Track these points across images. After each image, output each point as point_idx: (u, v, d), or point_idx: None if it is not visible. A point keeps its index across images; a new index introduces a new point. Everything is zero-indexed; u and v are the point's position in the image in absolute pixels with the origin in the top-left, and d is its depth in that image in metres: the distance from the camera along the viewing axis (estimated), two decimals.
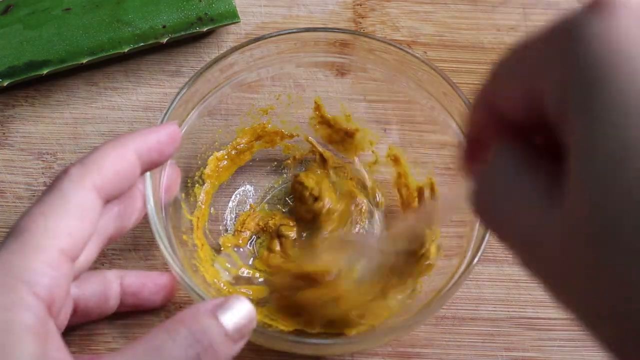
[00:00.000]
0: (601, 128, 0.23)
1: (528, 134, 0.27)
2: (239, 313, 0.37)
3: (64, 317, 0.42)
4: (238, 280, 0.49)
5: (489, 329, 0.48)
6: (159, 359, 0.35)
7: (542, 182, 0.26)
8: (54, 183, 0.39)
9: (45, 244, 0.36)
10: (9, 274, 0.35)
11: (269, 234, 0.50)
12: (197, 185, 0.49)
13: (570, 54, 0.24)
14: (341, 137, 0.51)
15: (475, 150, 0.30)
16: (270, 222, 0.50)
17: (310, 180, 0.50)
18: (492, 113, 0.28)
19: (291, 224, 0.51)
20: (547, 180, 0.25)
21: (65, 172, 0.39)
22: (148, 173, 0.42)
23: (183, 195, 0.48)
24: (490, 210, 0.27)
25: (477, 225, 0.44)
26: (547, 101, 0.25)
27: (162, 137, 0.41)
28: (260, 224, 0.51)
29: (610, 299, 0.23)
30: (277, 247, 0.50)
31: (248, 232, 0.50)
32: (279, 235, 0.50)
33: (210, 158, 0.50)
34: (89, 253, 0.41)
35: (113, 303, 0.45)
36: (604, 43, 0.23)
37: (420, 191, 0.50)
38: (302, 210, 0.50)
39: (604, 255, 0.23)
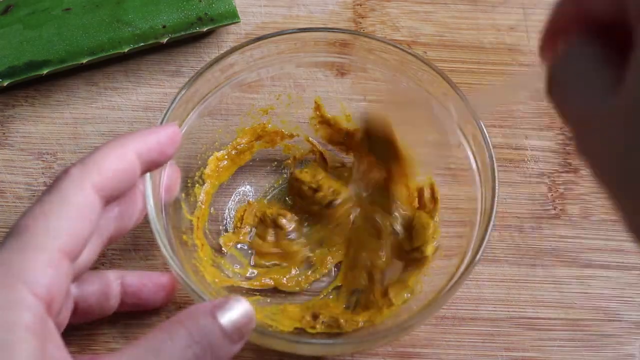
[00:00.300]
0: None
1: (606, 30, 0.29)
2: (238, 314, 0.37)
3: (64, 317, 0.42)
4: (249, 280, 0.49)
5: (489, 329, 0.48)
6: (157, 359, 0.35)
7: (608, 71, 0.28)
8: (54, 183, 0.39)
9: (45, 244, 0.36)
10: (8, 273, 0.35)
11: (265, 225, 0.50)
12: (197, 185, 0.49)
13: None
14: (342, 137, 0.51)
15: (554, 38, 0.32)
16: (268, 212, 0.50)
17: (305, 175, 0.50)
18: (578, 5, 0.30)
19: (288, 215, 0.50)
20: (612, 71, 0.28)
21: (65, 172, 0.39)
22: (148, 173, 0.42)
23: (183, 195, 0.48)
24: (560, 91, 0.30)
25: (477, 225, 0.44)
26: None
27: (162, 137, 0.41)
28: (258, 214, 0.50)
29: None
30: (270, 237, 0.50)
31: (247, 227, 0.50)
32: (275, 225, 0.50)
33: (211, 158, 0.50)
34: (90, 253, 0.41)
35: (113, 303, 0.45)
36: None
37: (420, 192, 0.50)
38: (305, 205, 0.50)
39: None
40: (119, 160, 0.39)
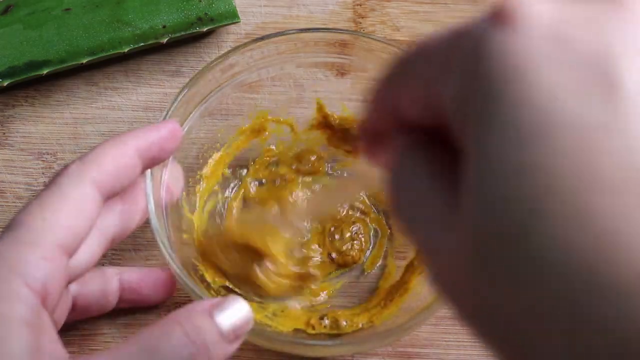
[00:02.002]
0: (494, 161, 0.22)
1: (429, 132, 0.26)
2: (236, 313, 0.37)
3: (62, 313, 0.42)
4: None
5: None
6: (152, 358, 0.35)
7: (442, 192, 0.25)
8: (53, 179, 0.39)
9: (41, 238, 0.36)
10: (3, 266, 0.35)
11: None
12: (198, 185, 0.49)
13: (470, 66, 0.23)
14: (343, 139, 0.51)
15: (376, 141, 0.29)
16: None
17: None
18: (392, 109, 0.27)
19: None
20: (446, 189, 0.25)
21: (64, 169, 0.39)
22: (149, 172, 0.43)
23: (184, 194, 0.48)
24: (401, 213, 0.27)
25: None
26: (446, 108, 0.24)
27: (162, 133, 0.41)
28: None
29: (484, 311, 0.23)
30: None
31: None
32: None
33: (210, 160, 0.50)
34: (93, 253, 0.41)
35: (112, 299, 0.45)
36: (505, 58, 0.22)
37: None
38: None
39: (482, 276, 0.22)
40: (118, 156, 0.40)
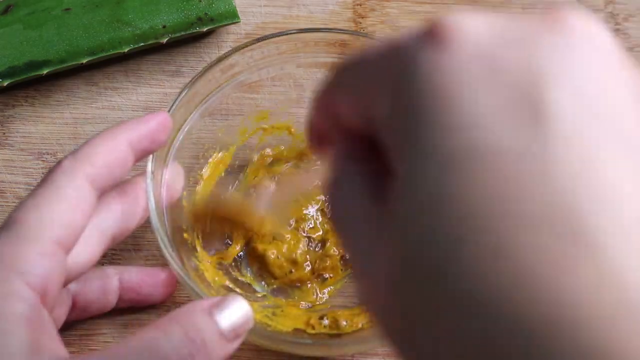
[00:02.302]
0: (416, 173, 0.22)
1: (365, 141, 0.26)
2: (235, 313, 0.37)
3: (62, 312, 0.42)
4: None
5: None
6: (151, 356, 0.35)
7: (371, 211, 0.24)
8: (47, 176, 0.39)
9: (38, 235, 0.36)
10: (1, 264, 0.35)
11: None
12: (198, 184, 0.49)
13: (400, 85, 0.22)
14: None
15: (322, 140, 0.29)
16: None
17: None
18: (331, 114, 0.27)
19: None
20: (377, 201, 0.24)
21: (57, 165, 0.39)
22: (149, 172, 0.43)
23: (185, 193, 0.48)
24: (335, 223, 0.26)
25: None
26: (378, 123, 0.24)
27: (152, 125, 0.41)
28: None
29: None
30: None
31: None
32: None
33: (211, 159, 0.50)
34: (92, 252, 0.41)
35: (112, 298, 0.45)
36: (433, 78, 0.22)
37: None
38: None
39: (401, 299, 0.22)
40: (110, 150, 0.40)
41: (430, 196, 0.21)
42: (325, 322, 0.46)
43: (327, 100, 0.27)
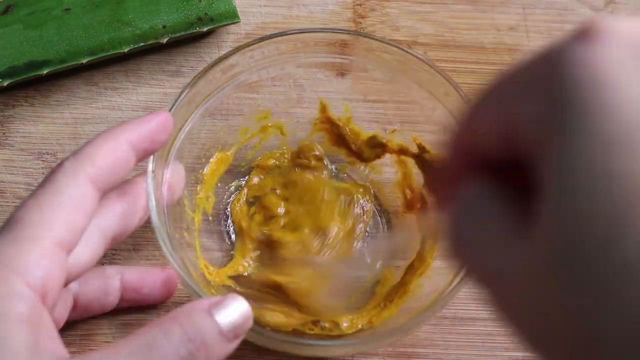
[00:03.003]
0: (578, 169, 0.22)
1: (501, 171, 0.26)
2: (235, 312, 0.37)
3: (63, 312, 0.42)
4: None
5: (489, 329, 0.48)
6: (150, 355, 0.35)
7: (512, 219, 0.25)
8: (48, 177, 0.39)
9: (39, 235, 0.36)
10: (1, 264, 0.35)
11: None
12: (199, 184, 0.49)
13: (553, 83, 0.23)
14: (346, 140, 0.51)
15: (448, 187, 0.29)
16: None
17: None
18: (467, 153, 0.27)
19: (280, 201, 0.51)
20: (517, 218, 0.25)
21: (59, 165, 0.39)
22: (150, 171, 0.43)
23: (186, 192, 0.48)
24: (464, 246, 0.27)
25: None
26: (526, 131, 0.24)
27: (153, 125, 0.41)
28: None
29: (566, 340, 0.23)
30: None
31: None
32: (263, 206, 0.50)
33: (212, 159, 0.50)
34: (93, 252, 0.41)
35: (113, 298, 0.45)
36: (590, 74, 0.22)
37: (422, 195, 0.49)
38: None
39: (562, 303, 0.22)
40: (112, 151, 0.40)
41: (598, 175, 0.21)
42: (322, 325, 0.46)
43: (463, 136, 0.27)
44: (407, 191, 0.50)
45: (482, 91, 0.26)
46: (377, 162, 0.51)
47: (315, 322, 0.46)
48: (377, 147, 0.50)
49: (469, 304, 0.49)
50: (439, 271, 0.46)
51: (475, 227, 0.26)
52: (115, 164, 0.40)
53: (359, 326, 0.46)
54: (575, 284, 0.22)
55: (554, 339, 0.23)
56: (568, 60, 0.23)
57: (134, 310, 0.47)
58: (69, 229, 0.37)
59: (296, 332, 0.46)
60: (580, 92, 0.22)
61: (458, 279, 0.42)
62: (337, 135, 0.51)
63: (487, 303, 0.26)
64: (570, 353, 0.23)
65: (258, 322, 0.44)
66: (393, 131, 0.50)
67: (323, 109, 0.51)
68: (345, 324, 0.46)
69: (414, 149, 0.49)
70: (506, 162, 0.26)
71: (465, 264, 0.27)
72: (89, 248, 0.40)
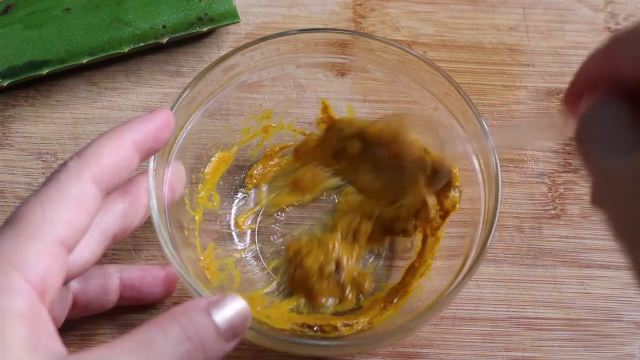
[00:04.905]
0: None
1: (634, 94, 0.31)
2: (233, 311, 0.37)
3: (62, 310, 0.42)
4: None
5: (489, 329, 0.48)
6: (148, 353, 0.35)
7: (633, 133, 0.30)
8: (52, 175, 0.39)
9: (40, 233, 0.36)
10: (1, 260, 0.35)
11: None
12: (200, 183, 0.49)
13: None
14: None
15: (579, 92, 0.34)
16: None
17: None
18: (610, 67, 0.31)
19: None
20: (636, 135, 0.30)
21: (63, 164, 0.39)
22: (151, 170, 0.43)
23: (187, 191, 0.48)
24: (586, 141, 0.32)
25: (481, 225, 0.44)
26: None
27: (156, 124, 0.41)
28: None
29: None
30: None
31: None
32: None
33: (213, 158, 0.50)
34: (93, 251, 0.41)
35: (113, 297, 0.45)
36: None
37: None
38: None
39: None
40: (116, 151, 0.40)
41: None
42: (316, 329, 0.46)
43: (605, 55, 0.32)
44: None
45: (630, 26, 0.31)
46: None
47: (311, 327, 0.46)
48: None
49: (469, 304, 0.49)
50: (439, 272, 0.46)
51: (599, 128, 0.31)
52: (119, 163, 0.39)
53: (359, 327, 0.46)
54: None
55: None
56: None
57: (134, 310, 0.47)
58: (71, 227, 0.37)
59: (296, 332, 0.46)
60: None
61: (460, 278, 0.42)
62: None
63: (590, 192, 0.31)
64: None
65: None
66: None
67: (325, 109, 0.51)
68: (343, 327, 0.46)
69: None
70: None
71: (581, 155, 0.32)
72: (90, 246, 0.40)
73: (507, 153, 0.53)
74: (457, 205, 0.47)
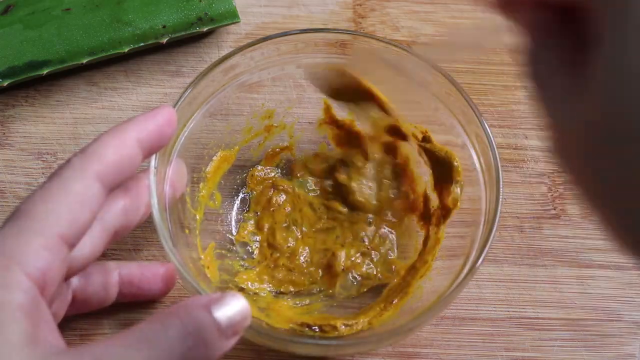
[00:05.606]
0: (629, 29, 0.24)
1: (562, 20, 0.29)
2: (234, 309, 0.37)
3: (62, 306, 0.42)
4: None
5: (489, 329, 0.48)
6: (149, 349, 0.35)
7: (573, 70, 0.28)
8: (56, 172, 0.39)
9: (42, 228, 0.36)
10: (2, 254, 0.35)
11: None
12: (202, 182, 0.49)
13: None
14: (350, 139, 0.51)
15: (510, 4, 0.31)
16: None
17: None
18: None
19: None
20: (577, 70, 0.27)
21: (67, 161, 0.39)
22: (152, 168, 0.43)
23: (188, 189, 0.48)
24: (534, 83, 0.30)
25: (481, 225, 0.44)
26: None
27: (159, 120, 0.41)
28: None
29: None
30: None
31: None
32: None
33: (215, 157, 0.50)
34: (94, 247, 0.41)
35: (112, 293, 0.45)
36: None
37: (425, 197, 0.49)
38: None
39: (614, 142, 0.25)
40: (119, 148, 0.40)
41: None
42: (315, 329, 0.46)
43: None
44: (410, 194, 0.50)
45: None
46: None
47: (311, 327, 0.46)
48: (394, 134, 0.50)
49: (469, 304, 0.49)
50: (439, 272, 0.46)
51: (540, 77, 0.29)
52: (123, 161, 0.40)
53: (359, 328, 0.46)
54: (609, 137, 0.25)
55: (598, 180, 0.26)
56: None
57: (134, 309, 0.47)
58: (73, 224, 0.37)
59: (296, 332, 0.46)
60: None
61: (460, 278, 0.42)
62: (342, 135, 0.51)
63: (551, 150, 0.29)
64: (614, 195, 0.26)
65: None
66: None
67: (327, 109, 0.51)
68: (343, 327, 0.46)
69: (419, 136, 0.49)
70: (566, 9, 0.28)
71: (534, 92, 0.30)
72: (91, 242, 0.40)
73: (507, 153, 0.53)
74: (458, 203, 0.47)
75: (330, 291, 0.48)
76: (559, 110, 0.28)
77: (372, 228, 0.50)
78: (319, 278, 0.49)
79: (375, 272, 0.49)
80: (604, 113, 0.25)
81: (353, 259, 0.49)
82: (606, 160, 0.26)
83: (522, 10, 0.30)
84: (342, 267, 0.48)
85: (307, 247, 0.50)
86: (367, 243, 0.50)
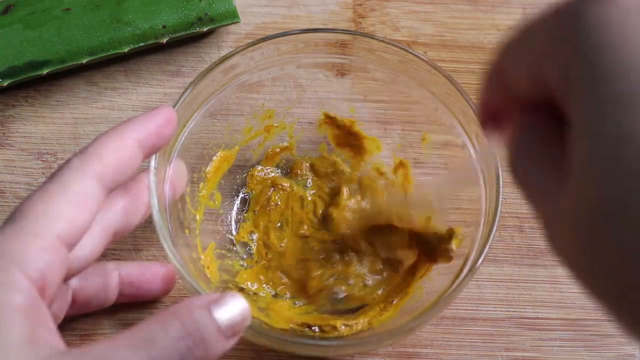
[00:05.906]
0: (604, 110, 0.24)
1: (539, 111, 0.29)
2: (234, 310, 0.37)
3: (61, 307, 0.42)
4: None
5: (489, 329, 0.48)
6: (148, 349, 0.35)
7: (554, 166, 0.28)
8: (56, 172, 0.39)
9: (42, 229, 0.36)
10: (2, 255, 0.35)
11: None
12: (202, 182, 0.49)
13: (573, 38, 0.25)
14: (349, 139, 0.51)
15: (495, 117, 0.32)
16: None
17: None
18: (504, 88, 0.30)
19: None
20: (558, 164, 0.27)
21: (66, 162, 0.39)
22: (152, 168, 0.43)
23: (188, 189, 0.48)
24: (519, 183, 0.30)
25: (482, 225, 0.44)
26: (552, 83, 0.26)
27: (159, 121, 0.41)
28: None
29: (620, 277, 0.25)
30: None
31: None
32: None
33: (215, 157, 0.50)
34: (94, 248, 0.41)
35: (112, 294, 0.45)
36: (605, 28, 0.25)
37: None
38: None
39: (609, 236, 0.25)
40: (119, 148, 0.40)
41: (612, 137, 0.24)
42: (315, 329, 0.46)
43: (498, 73, 0.30)
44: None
45: (507, 39, 0.29)
46: (381, 173, 0.52)
47: (311, 327, 0.46)
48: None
49: (469, 304, 0.49)
50: (439, 272, 0.46)
51: (524, 175, 0.29)
52: (122, 161, 0.40)
53: (358, 328, 0.46)
54: (595, 240, 0.25)
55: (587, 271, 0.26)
56: (586, 18, 0.25)
57: (134, 309, 0.47)
58: (72, 224, 0.37)
59: (296, 332, 0.46)
60: (596, 53, 0.25)
61: (461, 278, 0.42)
62: (341, 135, 0.52)
63: (542, 233, 0.29)
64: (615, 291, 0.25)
65: None
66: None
67: (326, 116, 0.51)
68: (343, 327, 0.46)
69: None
70: (537, 101, 0.28)
71: (519, 188, 0.30)
72: (90, 243, 0.40)
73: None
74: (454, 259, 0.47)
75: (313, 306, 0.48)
76: (546, 205, 0.28)
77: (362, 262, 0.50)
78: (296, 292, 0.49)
79: (356, 293, 0.48)
80: (581, 203, 0.25)
81: (327, 281, 0.49)
82: (595, 253, 0.25)
83: (507, 119, 0.31)
84: (319, 288, 0.48)
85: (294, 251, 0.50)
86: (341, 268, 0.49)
